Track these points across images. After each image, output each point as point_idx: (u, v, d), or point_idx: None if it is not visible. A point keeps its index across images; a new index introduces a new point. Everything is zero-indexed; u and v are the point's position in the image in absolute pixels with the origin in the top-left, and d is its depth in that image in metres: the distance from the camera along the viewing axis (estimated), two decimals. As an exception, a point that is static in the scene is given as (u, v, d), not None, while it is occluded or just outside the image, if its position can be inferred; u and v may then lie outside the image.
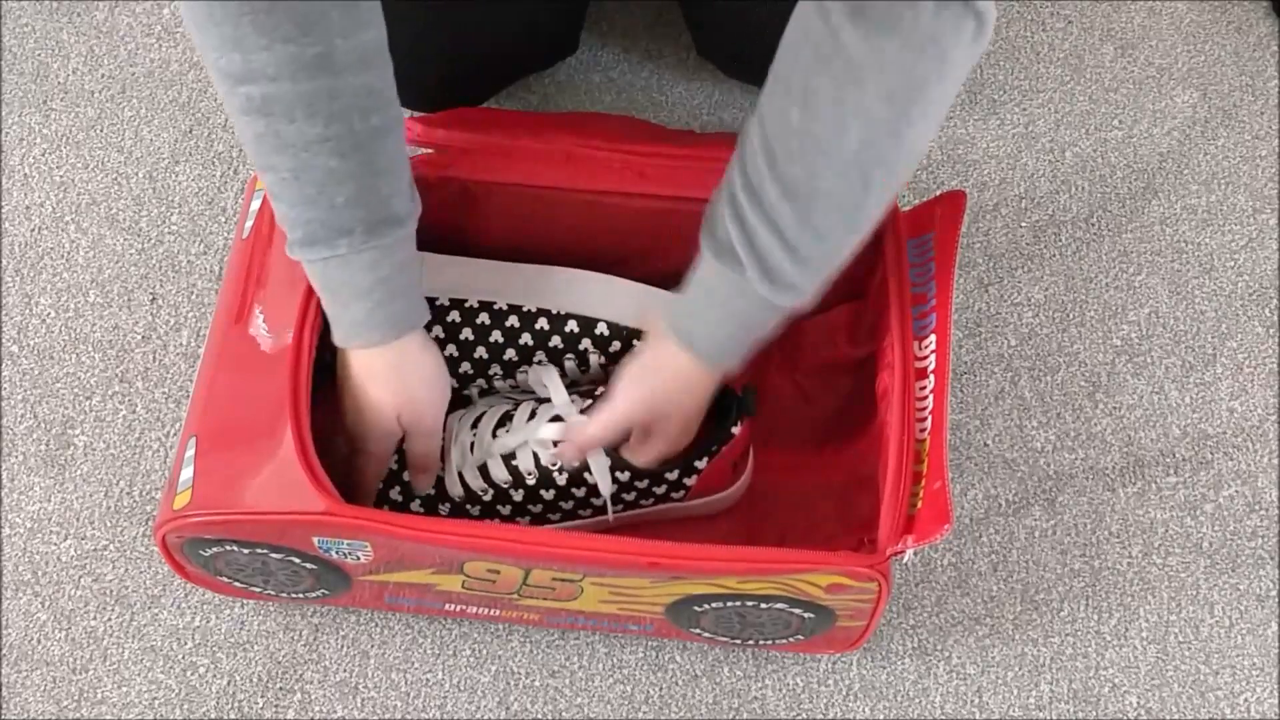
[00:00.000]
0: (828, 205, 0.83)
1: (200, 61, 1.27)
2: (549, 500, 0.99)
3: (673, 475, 0.99)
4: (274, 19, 0.77)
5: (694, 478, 1.00)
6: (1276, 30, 1.31)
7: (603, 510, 1.00)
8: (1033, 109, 1.27)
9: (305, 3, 0.77)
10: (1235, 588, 1.08)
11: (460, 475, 0.99)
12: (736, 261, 0.86)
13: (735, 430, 0.98)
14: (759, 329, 0.91)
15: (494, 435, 0.99)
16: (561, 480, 0.98)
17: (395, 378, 0.93)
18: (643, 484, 0.99)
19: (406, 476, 1.00)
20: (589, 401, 0.98)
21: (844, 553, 0.91)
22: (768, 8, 1.04)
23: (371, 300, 0.89)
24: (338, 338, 0.92)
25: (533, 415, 0.99)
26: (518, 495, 0.99)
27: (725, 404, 0.99)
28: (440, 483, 1.00)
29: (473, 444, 0.99)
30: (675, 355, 0.92)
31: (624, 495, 0.99)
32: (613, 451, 0.97)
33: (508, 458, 0.98)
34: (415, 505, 0.99)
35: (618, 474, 0.97)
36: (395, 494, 0.99)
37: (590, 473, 0.97)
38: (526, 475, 0.98)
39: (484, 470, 0.98)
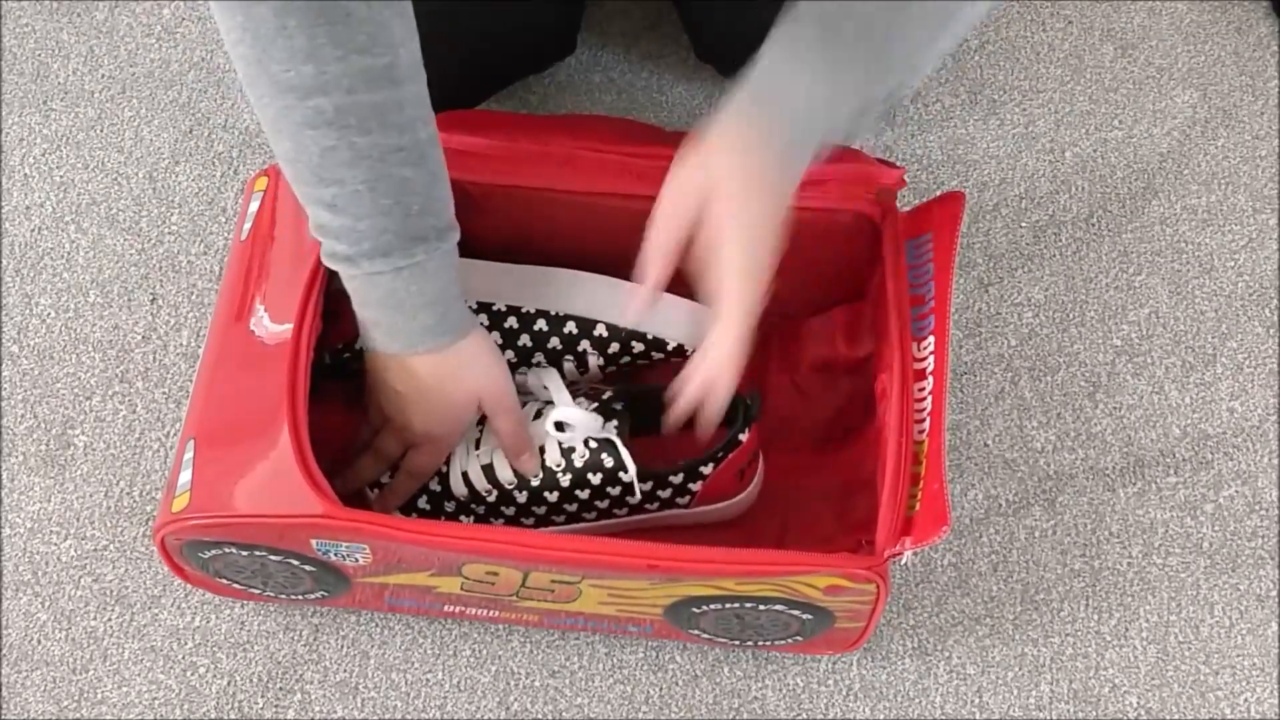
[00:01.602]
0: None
1: (200, 62, 1.27)
2: (553, 502, 0.99)
3: (677, 479, 0.99)
4: (350, 31, 0.77)
5: (699, 483, 1.00)
6: (1276, 30, 1.31)
7: (607, 514, 1.00)
8: (1033, 109, 1.27)
9: (375, 14, 0.78)
10: (1235, 588, 1.07)
11: (465, 475, 0.99)
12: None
13: (742, 437, 0.98)
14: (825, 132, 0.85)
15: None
16: (566, 482, 0.98)
17: (476, 368, 0.94)
18: (647, 487, 0.99)
19: (433, 485, 1.00)
20: (594, 404, 0.98)
21: (842, 554, 0.91)
22: (767, 9, 1.04)
23: (444, 303, 0.90)
24: (397, 347, 0.92)
25: (538, 415, 0.99)
26: (521, 496, 0.99)
27: (732, 410, 0.99)
28: (445, 480, 1.00)
29: (478, 441, 0.99)
30: (768, 139, 0.84)
31: (628, 499, 0.99)
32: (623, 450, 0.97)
33: None
34: (422, 502, 1.00)
35: (621, 475, 0.97)
36: (423, 502, 1.00)
37: (594, 473, 0.97)
38: (531, 477, 0.98)
39: (488, 470, 0.98)
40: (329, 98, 0.79)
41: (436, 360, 0.93)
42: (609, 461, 0.97)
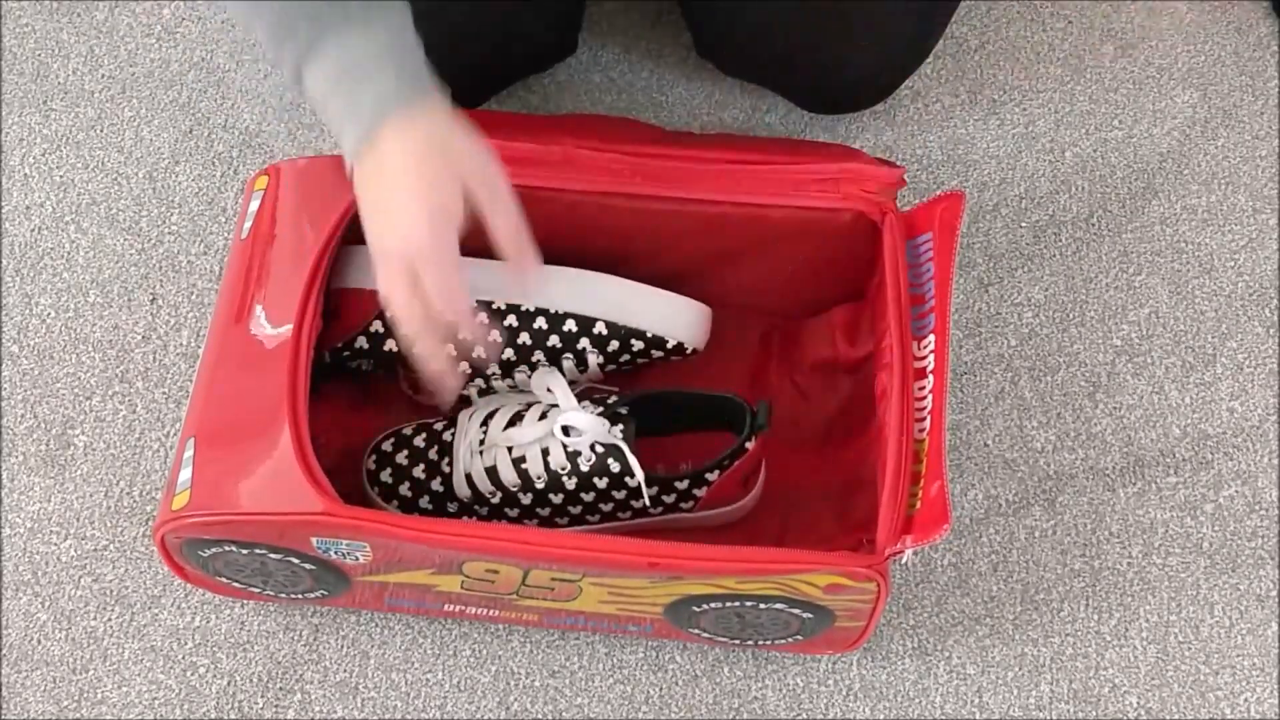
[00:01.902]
0: None
1: (200, 62, 1.27)
2: (557, 504, 0.99)
3: (683, 485, 0.99)
4: None
5: (704, 489, 1.00)
6: (1276, 30, 1.31)
7: (611, 517, 1.00)
8: (1033, 109, 1.27)
9: None
10: (1235, 588, 1.07)
11: (469, 476, 0.99)
12: None
13: (749, 445, 0.98)
14: None
15: (505, 434, 0.99)
16: (571, 485, 0.98)
17: (455, 140, 0.85)
18: (652, 491, 0.99)
19: (414, 438, 1.00)
20: (600, 408, 0.98)
21: (842, 553, 0.91)
22: (767, 7, 1.04)
23: (400, 56, 0.84)
24: (360, 132, 0.84)
25: (543, 417, 0.99)
26: (526, 499, 0.99)
27: (740, 417, 0.99)
28: (448, 482, 1.00)
29: (483, 441, 0.99)
30: None
31: (632, 503, 0.99)
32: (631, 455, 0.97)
33: (517, 460, 0.98)
34: (418, 471, 1.00)
35: (628, 479, 0.97)
36: (425, 503, 1.01)
37: (600, 478, 0.97)
38: (535, 479, 0.98)
39: (492, 472, 0.98)
40: None
41: (410, 131, 0.83)
42: (615, 466, 0.97)
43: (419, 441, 1.02)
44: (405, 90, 0.84)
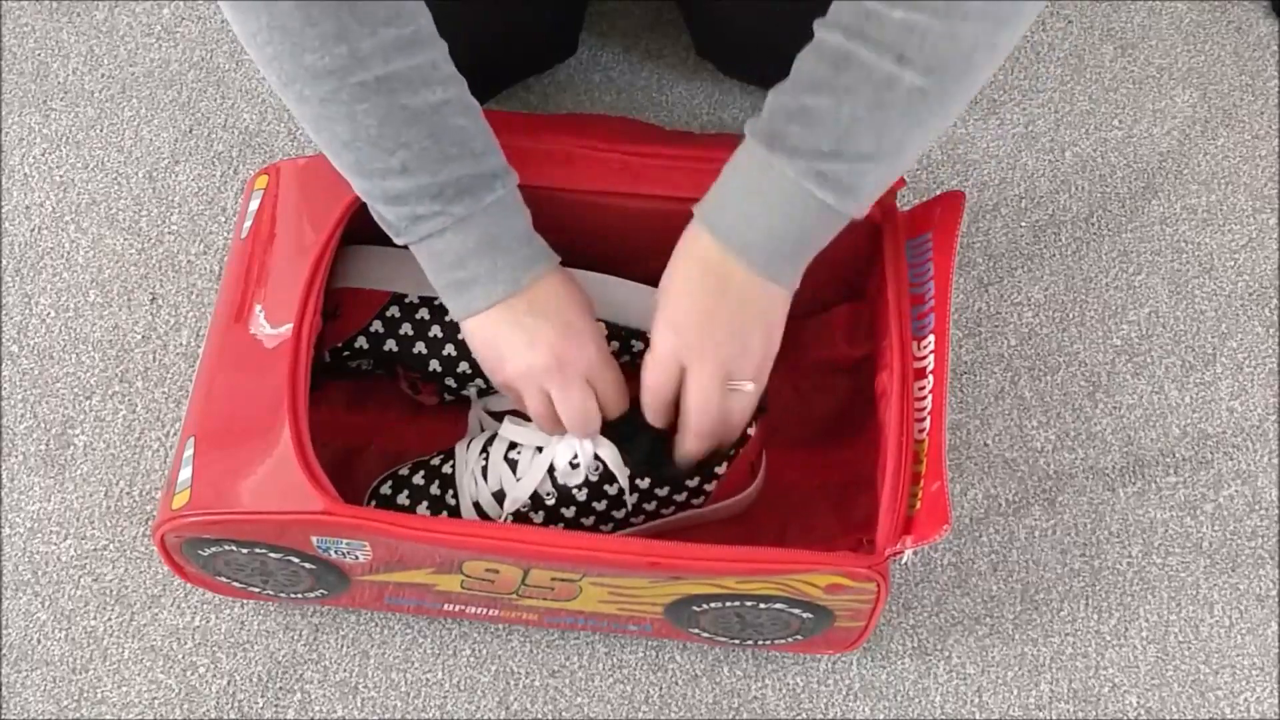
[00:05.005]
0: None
1: (200, 62, 1.27)
2: (569, 518, 0.98)
3: (693, 482, 0.99)
4: (372, 7, 0.81)
5: (715, 484, 0.99)
6: (1276, 30, 1.31)
7: (624, 524, 0.99)
8: (1033, 109, 1.27)
9: None
10: (1235, 588, 1.07)
11: (476, 505, 0.98)
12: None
13: (750, 431, 0.98)
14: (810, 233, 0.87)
15: (506, 459, 0.98)
16: (582, 497, 0.97)
17: (574, 289, 0.93)
18: (663, 492, 0.98)
19: (412, 477, 0.99)
20: None
21: (842, 553, 0.91)
22: (767, 7, 1.04)
23: (527, 230, 0.91)
24: (504, 288, 0.89)
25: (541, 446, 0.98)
26: (538, 518, 0.98)
27: None
28: (455, 514, 0.99)
29: (485, 469, 0.99)
30: (713, 258, 0.88)
31: (645, 506, 0.99)
32: (635, 456, 0.96)
33: (523, 481, 0.97)
34: (422, 509, 0.99)
35: (638, 482, 0.97)
36: (404, 499, 1.00)
37: (610, 485, 0.97)
38: (546, 496, 0.97)
39: (500, 496, 0.98)
40: (370, 71, 0.82)
41: (544, 288, 0.90)
42: (614, 467, 0.96)
43: (418, 479, 1.01)
44: (546, 256, 0.92)
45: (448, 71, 0.86)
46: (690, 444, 0.93)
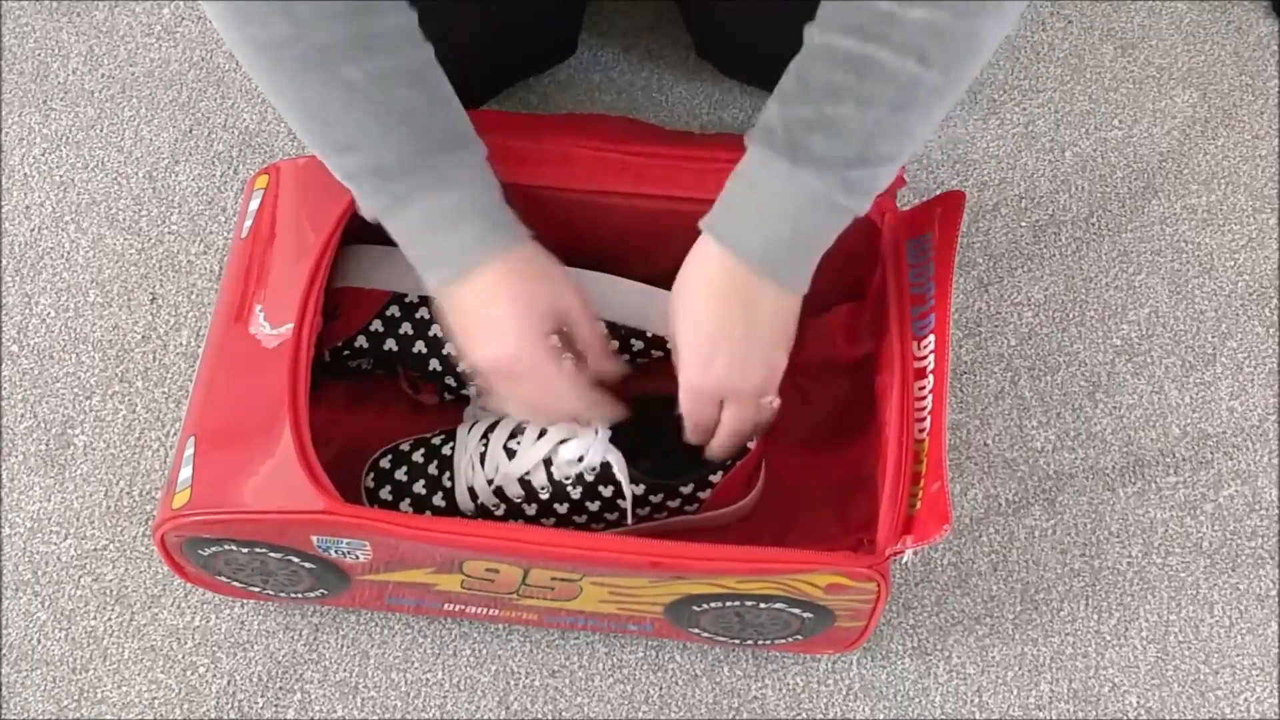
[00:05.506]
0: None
1: (200, 62, 1.27)
2: (562, 514, 0.98)
3: (688, 489, 0.99)
4: None
5: (708, 492, 1.00)
6: (1276, 30, 1.31)
7: (617, 524, 1.00)
8: (1033, 109, 1.27)
9: None
10: (1235, 588, 1.07)
11: (471, 490, 0.99)
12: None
13: (751, 445, 0.98)
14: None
15: (505, 447, 0.98)
16: (576, 494, 0.97)
17: (547, 276, 0.91)
18: (657, 498, 0.98)
19: (412, 454, 1.00)
20: None
21: (843, 553, 0.91)
22: (767, 7, 1.04)
23: (490, 203, 0.89)
24: (451, 270, 0.88)
25: (543, 432, 0.98)
26: (531, 509, 0.98)
27: None
28: (450, 495, 0.99)
29: (483, 455, 0.99)
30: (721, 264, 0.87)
31: (638, 510, 0.99)
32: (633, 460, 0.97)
33: (520, 472, 0.98)
34: (419, 486, 0.99)
35: (635, 488, 0.97)
36: (406, 506, 1.00)
37: (604, 486, 0.97)
38: (540, 490, 0.97)
39: (494, 484, 0.98)
40: (307, 39, 0.81)
41: (493, 273, 0.88)
42: (620, 475, 0.96)
43: (417, 457, 1.01)
44: (496, 239, 0.89)
45: (394, 41, 0.84)
46: (721, 449, 0.96)
